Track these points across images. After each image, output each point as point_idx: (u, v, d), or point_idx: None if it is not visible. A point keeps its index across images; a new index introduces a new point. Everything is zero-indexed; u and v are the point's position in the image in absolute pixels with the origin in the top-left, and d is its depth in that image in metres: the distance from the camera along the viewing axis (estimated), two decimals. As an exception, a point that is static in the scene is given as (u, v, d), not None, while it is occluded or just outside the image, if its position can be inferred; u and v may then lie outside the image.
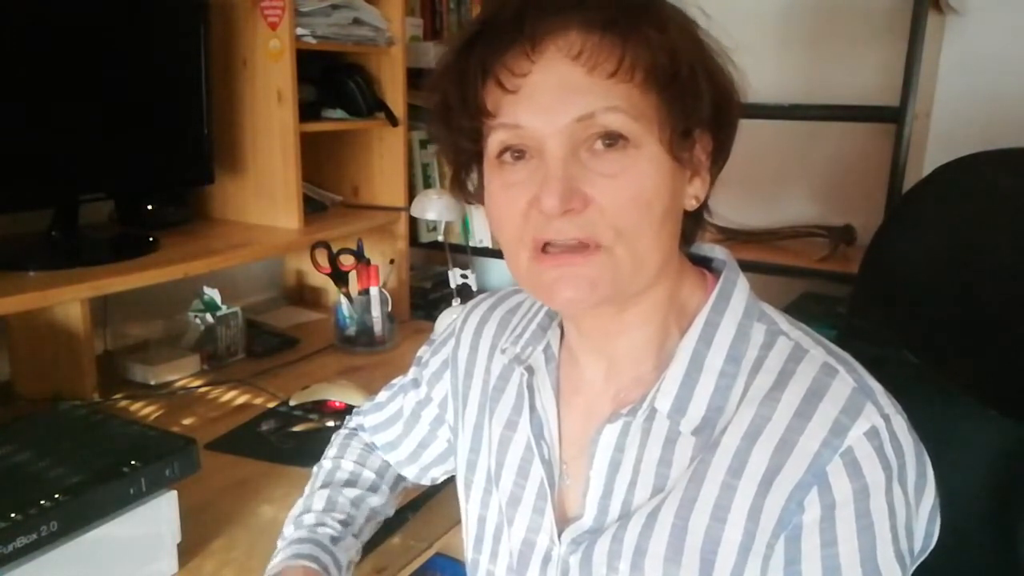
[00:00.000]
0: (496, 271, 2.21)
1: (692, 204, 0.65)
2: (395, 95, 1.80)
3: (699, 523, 0.59)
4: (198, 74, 1.47)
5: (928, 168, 1.08)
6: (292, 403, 1.36)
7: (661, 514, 0.61)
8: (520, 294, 0.81)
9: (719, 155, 0.65)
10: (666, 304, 0.65)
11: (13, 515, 0.74)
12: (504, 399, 0.75)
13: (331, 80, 1.75)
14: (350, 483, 0.88)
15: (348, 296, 1.70)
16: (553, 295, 0.61)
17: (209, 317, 1.57)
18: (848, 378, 0.59)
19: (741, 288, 0.66)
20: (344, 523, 0.83)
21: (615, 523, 0.64)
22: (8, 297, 1.11)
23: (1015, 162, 0.90)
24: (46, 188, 1.29)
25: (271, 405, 1.38)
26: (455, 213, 1.72)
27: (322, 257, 1.68)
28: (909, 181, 1.46)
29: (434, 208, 1.68)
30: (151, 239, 1.44)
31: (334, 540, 0.80)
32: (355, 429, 0.95)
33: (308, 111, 1.66)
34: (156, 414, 1.34)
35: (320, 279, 1.85)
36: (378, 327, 1.69)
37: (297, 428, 1.28)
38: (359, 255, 1.71)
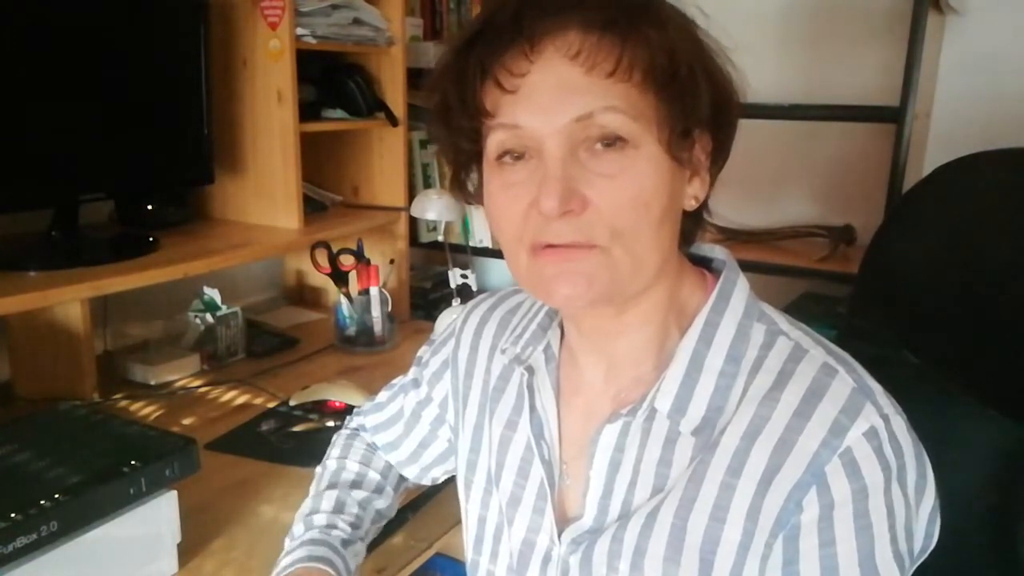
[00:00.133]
0: (496, 271, 2.21)
1: (692, 204, 0.65)
2: (395, 95, 1.80)
3: (698, 523, 0.59)
4: (198, 74, 1.47)
5: (928, 168, 1.08)
6: (292, 403, 1.36)
7: (661, 514, 0.61)
8: (520, 294, 0.81)
9: (719, 155, 0.65)
10: (666, 304, 0.65)
11: (13, 515, 0.74)
12: (504, 399, 0.75)
13: (331, 80, 1.75)
14: (356, 484, 0.88)
15: (348, 296, 1.70)
16: (551, 293, 0.61)
17: (209, 317, 1.57)
18: (848, 378, 0.59)
19: (741, 288, 0.66)
20: (353, 525, 0.83)
21: (615, 523, 0.64)
22: (8, 297, 1.11)
23: (1015, 162, 0.89)
24: (46, 188, 1.29)
25: (271, 405, 1.38)
26: (455, 213, 1.72)
27: (322, 257, 1.68)
28: (909, 181, 1.46)
29: (434, 208, 1.68)
30: (151, 239, 1.44)
31: (345, 543, 0.80)
32: (356, 429, 0.95)
33: (308, 111, 1.66)
34: (156, 414, 1.34)
35: (320, 279, 1.86)
36: (378, 327, 1.69)
37: (297, 428, 1.28)
38: (359, 255, 1.71)
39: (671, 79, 0.58)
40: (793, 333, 0.64)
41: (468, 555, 0.78)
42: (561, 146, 0.57)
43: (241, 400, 1.41)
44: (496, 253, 1.96)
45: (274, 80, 1.53)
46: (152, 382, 1.45)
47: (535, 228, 0.59)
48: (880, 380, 0.61)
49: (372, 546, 0.98)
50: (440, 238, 1.92)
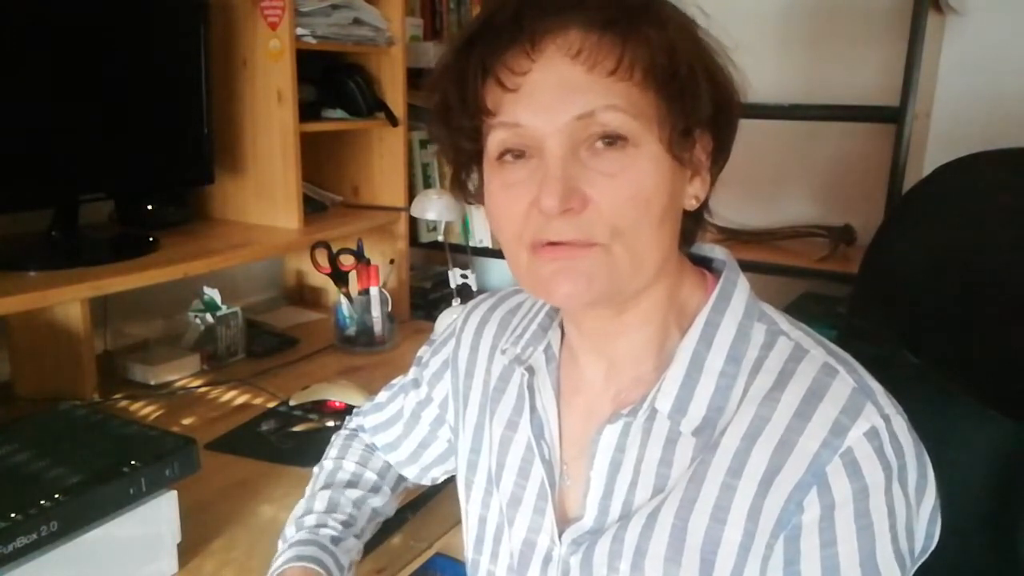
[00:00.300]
0: (496, 271, 2.21)
1: (692, 204, 0.65)
2: (395, 95, 1.80)
3: (699, 523, 0.59)
4: (198, 74, 1.47)
5: (928, 168, 1.08)
6: (292, 403, 1.36)
7: (661, 514, 0.61)
8: (520, 294, 0.81)
9: (719, 155, 0.65)
10: (666, 304, 0.65)
11: (13, 515, 0.74)
12: (505, 399, 0.75)
13: (331, 80, 1.75)
14: (352, 484, 0.88)
15: (348, 296, 1.70)
16: (551, 291, 0.61)
17: (209, 317, 1.57)
18: (848, 378, 0.59)
19: (741, 288, 0.66)
20: (346, 524, 0.83)
21: (615, 523, 0.64)
22: (8, 297, 1.11)
23: (1015, 162, 0.90)
24: (46, 188, 1.29)
25: (271, 405, 1.38)
26: (455, 213, 1.72)
27: (322, 257, 1.68)
28: (909, 181, 1.46)
29: (434, 208, 1.68)
30: (151, 239, 1.44)
31: (335, 541, 0.80)
32: (355, 430, 0.95)
33: (308, 111, 1.66)
34: (156, 414, 1.34)
35: (320, 279, 1.85)
36: (378, 327, 1.69)
37: (297, 428, 1.28)
38: (359, 255, 1.71)
39: (671, 78, 0.58)
40: (793, 333, 0.64)
41: (468, 555, 0.78)
42: (562, 145, 0.57)
43: (241, 400, 1.41)
44: (496, 253, 1.96)
45: (274, 80, 1.53)
46: (152, 382, 1.45)
47: (535, 227, 0.59)
48: (880, 380, 0.61)
49: (372, 546, 0.98)
50: (440, 238, 1.92)
